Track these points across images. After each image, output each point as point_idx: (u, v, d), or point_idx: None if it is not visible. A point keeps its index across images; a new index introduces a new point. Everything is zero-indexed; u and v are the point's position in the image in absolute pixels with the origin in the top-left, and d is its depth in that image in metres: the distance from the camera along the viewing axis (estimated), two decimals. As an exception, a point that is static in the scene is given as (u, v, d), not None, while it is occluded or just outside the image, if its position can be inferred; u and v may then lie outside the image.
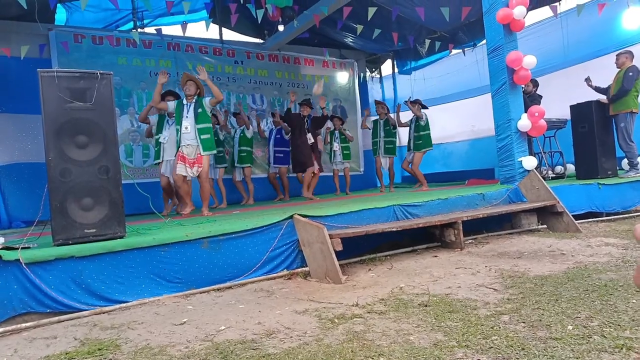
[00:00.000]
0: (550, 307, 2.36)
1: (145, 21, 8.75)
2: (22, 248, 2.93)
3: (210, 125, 5.46)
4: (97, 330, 2.59)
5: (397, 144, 10.44)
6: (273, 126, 8.29)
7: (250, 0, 7.18)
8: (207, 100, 5.40)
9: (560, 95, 7.30)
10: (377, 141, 8.11)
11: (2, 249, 2.88)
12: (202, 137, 5.28)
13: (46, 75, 3.18)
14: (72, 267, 2.96)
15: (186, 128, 5.25)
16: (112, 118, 3.39)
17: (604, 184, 5.62)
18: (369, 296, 2.90)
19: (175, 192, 6.17)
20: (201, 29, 8.72)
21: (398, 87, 11.60)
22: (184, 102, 5.39)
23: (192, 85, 5.34)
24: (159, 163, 6.19)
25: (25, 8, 5.50)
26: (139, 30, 8.54)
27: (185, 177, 5.34)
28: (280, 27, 9.08)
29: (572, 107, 6.40)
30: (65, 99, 3.20)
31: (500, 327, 2.13)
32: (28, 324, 2.72)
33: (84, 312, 2.90)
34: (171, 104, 5.52)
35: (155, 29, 8.28)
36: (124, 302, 3.05)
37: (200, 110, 5.32)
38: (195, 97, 5.37)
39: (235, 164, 7.83)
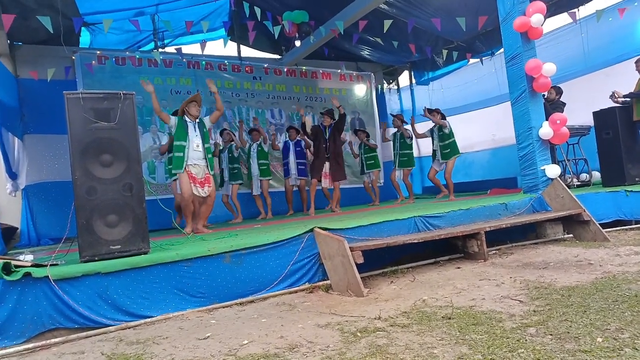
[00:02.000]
0: (579, 318, 2.30)
1: (165, 41, 9.01)
2: (50, 265, 3.01)
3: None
4: (123, 345, 2.63)
5: (417, 154, 10.43)
6: (289, 139, 8.32)
7: (268, 18, 7.32)
8: (207, 119, 5.44)
9: (583, 102, 7.17)
10: (395, 153, 8.13)
11: (31, 266, 2.96)
12: (209, 156, 5.33)
13: (72, 97, 3.29)
14: (98, 283, 3.03)
15: (197, 146, 5.24)
16: (135, 136, 3.48)
17: (631, 190, 5.48)
18: (392, 309, 2.87)
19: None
20: (220, 47, 8.91)
21: (416, 98, 11.58)
22: (187, 119, 5.31)
23: (197, 106, 5.35)
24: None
25: (52, 32, 5.72)
26: (160, 50, 8.77)
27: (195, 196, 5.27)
28: (297, 43, 9.21)
29: (595, 113, 6.28)
30: (90, 119, 3.30)
31: (526, 340, 2.09)
32: (57, 340, 2.78)
33: (110, 328, 2.94)
34: (173, 119, 5.40)
35: (175, 49, 8.52)
36: (149, 317, 3.09)
37: (205, 130, 5.37)
38: (199, 118, 5.39)
39: (259, 177, 7.92)
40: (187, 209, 5.30)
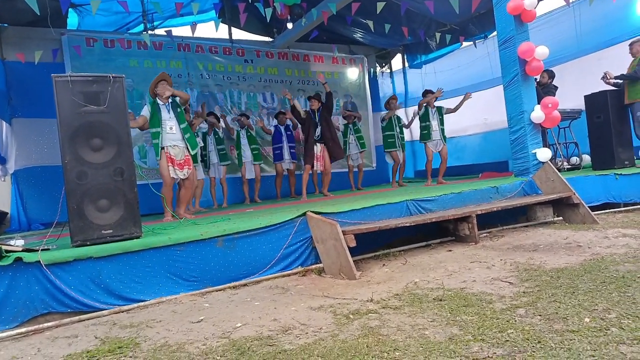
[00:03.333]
0: (567, 299, 2.35)
1: (155, 23, 8.84)
2: (41, 250, 2.99)
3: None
4: (116, 329, 2.64)
5: (410, 138, 10.46)
6: (279, 124, 8.31)
7: (259, -1, 7.20)
8: (178, 100, 5.31)
9: (574, 86, 7.19)
10: (394, 134, 8.02)
11: (22, 251, 2.94)
12: (187, 136, 5.21)
13: (60, 80, 3.23)
14: (90, 267, 3.02)
15: (171, 128, 5.09)
16: (125, 120, 3.43)
17: (621, 174, 5.54)
18: (384, 291, 2.90)
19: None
20: (211, 29, 8.80)
21: (409, 82, 11.54)
22: (159, 102, 5.14)
23: (166, 85, 5.15)
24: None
25: (38, 14, 5.58)
26: (150, 32, 8.61)
27: (174, 179, 5.16)
28: (289, 25, 9.10)
29: (586, 97, 6.30)
30: (79, 102, 3.25)
31: (516, 321, 2.12)
32: (50, 324, 2.78)
33: (103, 312, 2.95)
34: (145, 110, 5.21)
35: (165, 31, 8.35)
36: (142, 300, 3.10)
37: (179, 109, 5.23)
38: (171, 98, 5.22)
39: (252, 162, 7.99)
40: (168, 195, 5.14)
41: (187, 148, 5.20)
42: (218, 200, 7.93)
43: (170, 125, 5.11)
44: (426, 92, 7.48)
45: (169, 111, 5.16)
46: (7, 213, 7.08)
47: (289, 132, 8.27)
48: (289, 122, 8.32)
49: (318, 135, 7.02)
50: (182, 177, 5.18)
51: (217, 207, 7.70)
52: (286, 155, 8.19)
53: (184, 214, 5.26)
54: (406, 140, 8.70)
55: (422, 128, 7.43)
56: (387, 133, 8.09)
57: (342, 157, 7.59)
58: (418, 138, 7.95)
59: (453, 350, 1.87)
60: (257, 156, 8.07)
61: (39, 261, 2.85)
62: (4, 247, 2.86)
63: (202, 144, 7.37)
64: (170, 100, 5.20)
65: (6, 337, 2.64)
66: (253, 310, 2.77)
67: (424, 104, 7.39)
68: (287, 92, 7.33)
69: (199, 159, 6.91)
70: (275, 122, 8.57)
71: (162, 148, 5.07)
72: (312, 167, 7.14)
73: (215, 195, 7.89)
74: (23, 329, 2.71)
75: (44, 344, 2.49)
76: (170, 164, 5.08)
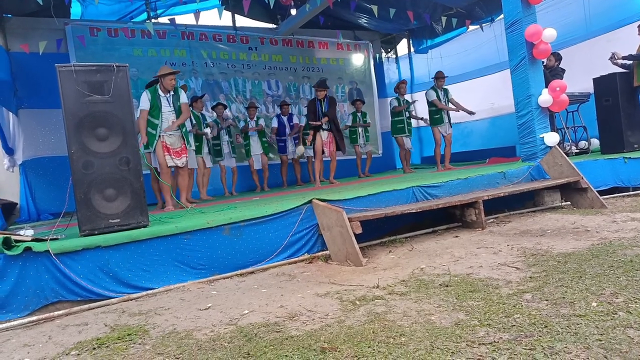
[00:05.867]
0: (574, 284, 2.33)
1: (158, 11, 8.81)
2: (50, 239, 3.02)
3: None
4: (125, 316, 2.67)
5: (416, 124, 10.39)
6: (282, 115, 8.34)
7: (262, -15, 7.13)
8: (183, 97, 5.25)
9: (583, 68, 7.08)
10: (403, 120, 7.95)
11: (31, 240, 2.97)
12: (182, 129, 5.21)
13: (64, 70, 3.23)
14: (99, 256, 3.05)
15: (172, 122, 5.09)
16: (130, 110, 3.44)
17: (630, 157, 5.48)
18: (390, 278, 2.91)
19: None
20: (214, 17, 8.70)
21: (414, 67, 11.43)
22: (160, 93, 5.09)
23: (174, 79, 5.11)
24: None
25: (41, 4, 5.57)
26: (153, 20, 8.58)
27: (170, 168, 5.16)
28: (293, 11, 9.01)
29: (595, 80, 6.21)
30: (83, 92, 3.25)
31: (522, 306, 2.12)
32: (60, 312, 2.82)
33: (112, 300, 2.98)
34: (145, 101, 5.07)
35: (168, 19, 8.32)
36: (150, 289, 3.13)
37: (178, 104, 5.19)
38: (172, 91, 5.18)
39: (262, 154, 8.02)
40: (167, 183, 5.14)
41: (183, 137, 5.21)
42: (228, 187, 7.97)
43: (172, 119, 5.11)
44: (437, 78, 7.33)
45: (169, 104, 5.13)
46: (17, 203, 7.15)
47: (291, 124, 8.30)
48: (292, 112, 8.31)
49: (327, 126, 6.98)
50: (180, 164, 5.20)
51: (227, 194, 7.73)
52: (290, 147, 8.29)
53: (186, 203, 5.31)
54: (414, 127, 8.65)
55: (432, 112, 7.29)
56: (396, 118, 8.00)
57: (345, 153, 7.55)
58: (424, 125, 7.88)
59: (459, 335, 1.87)
60: (267, 149, 8.09)
61: (48, 251, 2.88)
62: (13, 237, 2.89)
63: (215, 134, 7.35)
64: (171, 92, 5.18)
65: (18, 325, 2.68)
66: (260, 297, 2.79)
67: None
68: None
69: (209, 149, 6.97)
70: (279, 111, 8.55)
71: (158, 137, 5.06)
72: (322, 152, 7.06)
73: (226, 182, 7.92)
74: (34, 317, 2.76)
75: (54, 331, 2.53)
76: (166, 152, 5.09)
